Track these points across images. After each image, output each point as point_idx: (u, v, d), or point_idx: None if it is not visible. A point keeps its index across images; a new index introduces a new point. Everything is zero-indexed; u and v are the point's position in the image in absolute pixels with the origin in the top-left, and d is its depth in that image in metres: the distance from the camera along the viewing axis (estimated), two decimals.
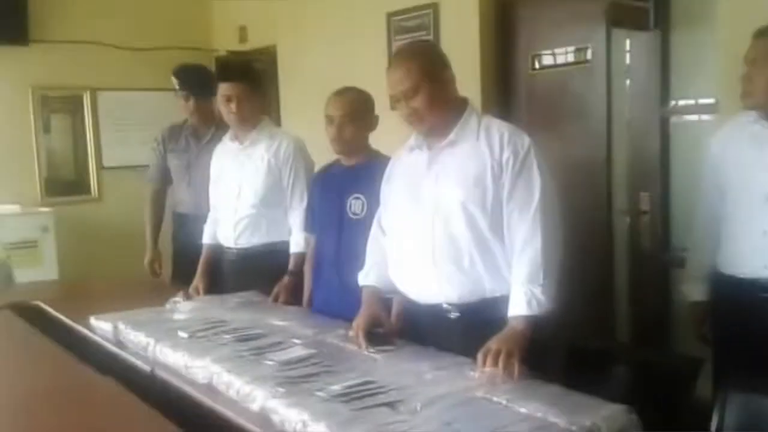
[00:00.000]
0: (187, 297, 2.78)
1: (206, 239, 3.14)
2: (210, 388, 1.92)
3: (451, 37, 3.89)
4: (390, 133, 2.37)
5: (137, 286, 3.53)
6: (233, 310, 2.58)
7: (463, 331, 2.02)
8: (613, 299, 3.45)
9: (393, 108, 2.13)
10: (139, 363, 2.20)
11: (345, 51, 4.55)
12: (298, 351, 2.01)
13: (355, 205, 2.48)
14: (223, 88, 2.88)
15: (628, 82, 3.36)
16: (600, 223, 3.41)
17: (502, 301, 1.99)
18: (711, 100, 2.98)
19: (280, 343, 2.10)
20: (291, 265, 2.86)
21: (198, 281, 3.02)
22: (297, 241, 2.88)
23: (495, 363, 1.77)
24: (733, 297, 2.25)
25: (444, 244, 2.01)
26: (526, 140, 2.00)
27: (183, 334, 2.24)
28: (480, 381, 1.74)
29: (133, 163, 5.19)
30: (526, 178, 1.97)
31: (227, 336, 2.19)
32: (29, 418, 1.86)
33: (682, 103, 3.22)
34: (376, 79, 4.16)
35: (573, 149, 3.33)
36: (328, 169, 2.67)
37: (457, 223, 1.99)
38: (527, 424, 1.49)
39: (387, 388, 1.70)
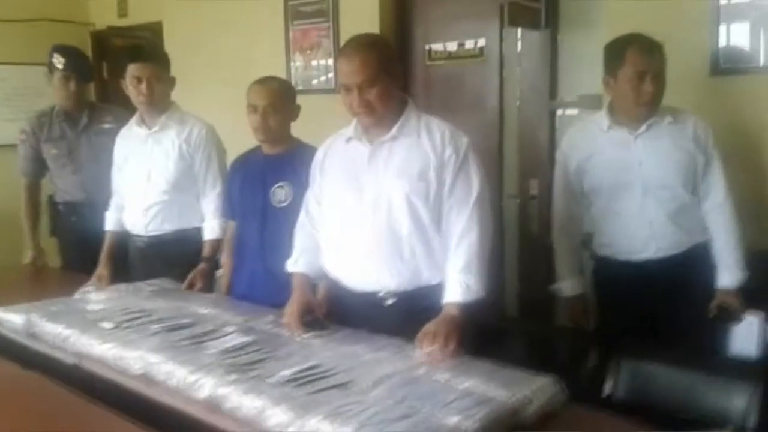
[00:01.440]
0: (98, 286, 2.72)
1: (109, 226, 3.06)
2: (146, 379, 1.92)
3: (349, 26, 3.97)
4: None
5: (26, 276, 3.38)
6: (150, 298, 2.54)
7: (396, 316, 2.12)
8: (504, 278, 3.70)
9: (339, 93, 2.13)
10: (61, 356, 2.15)
11: (239, 33, 4.50)
12: (236, 338, 2.04)
13: (279, 193, 2.51)
14: (134, 69, 2.81)
15: (519, 76, 3.59)
16: (492, 207, 3.62)
17: (436, 289, 2.11)
18: (595, 93, 3.24)
19: (213, 331, 2.12)
20: (206, 252, 2.86)
21: (102, 269, 2.95)
22: (212, 228, 2.88)
23: (433, 343, 1.89)
24: (625, 278, 2.49)
25: (385, 234, 2.10)
26: (465, 140, 2.12)
27: (106, 325, 2.20)
28: (420, 360, 1.86)
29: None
30: (465, 175, 2.09)
31: (155, 326, 2.18)
32: None
33: (567, 97, 3.48)
34: (273, 65, 4.23)
35: (468, 137, 3.51)
36: (249, 157, 2.68)
37: (400, 215, 2.09)
38: (472, 398, 1.62)
39: (333, 371, 1.78)
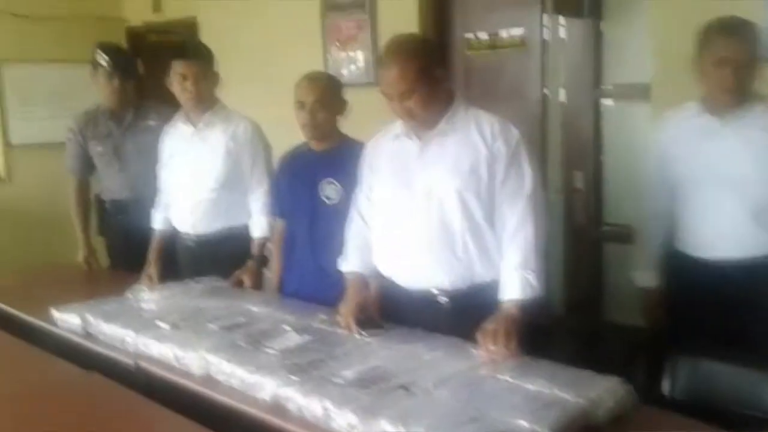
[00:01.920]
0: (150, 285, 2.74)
1: (157, 225, 3.07)
2: (207, 380, 1.93)
3: (387, 17, 3.95)
4: None
5: (77, 275, 3.42)
6: (202, 297, 2.56)
7: (450, 315, 2.11)
8: (549, 274, 3.65)
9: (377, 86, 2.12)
10: (119, 356, 2.17)
11: (274, 27, 4.49)
12: (293, 338, 2.04)
13: (329, 190, 2.50)
14: (179, 67, 2.80)
15: (561, 65, 3.53)
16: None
17: (490, 287, 2.08)
18: (643, 82, 3.18)
19: (269, 330, 2.13)
20: (254, 249, 2.86)
21: (150, 268, 2.95)
22: (260, 225, 2.88)
23: (495, 343, 1.87)
24: (699, 277, 2.37)
25: (438, 231, 2.08)
26: (515, 132, 2.09)
27: (163, 325, 2.22)
28: (481, 360, 1.85)
29: (43, 140, 4.93)
30: (517, 169, 2.06)
31: (212, 325, 2.19)
32: (17, 425, 1.79)
33: (612, 86, 3.42)
34: (309, 58, 4.22)
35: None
36: (297, 154, 2.67)
37: (452, 211, 2.06)
38: (540, 399, 1.60)
39: (395, 372, 1.77)
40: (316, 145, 2.58)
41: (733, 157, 2.28)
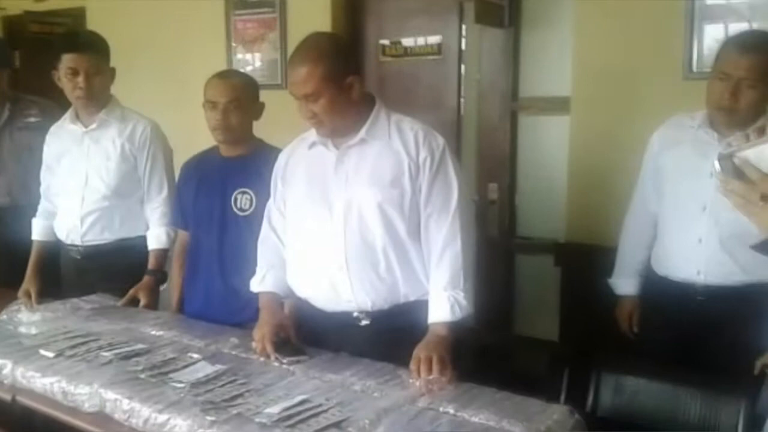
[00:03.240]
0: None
1: (37, 235, 2.74)
2: (101, 419, 1.66)
3: (297, 17, 3.74)
4: None
5: None
6: (93, 319, 2.26)
7: (371, 337, 1.94)
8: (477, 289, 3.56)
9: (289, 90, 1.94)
10: None
11: (174, 23, 4.17)
12: (204, 368, 1.80)
13: (242, 200, 2.27)
14: (69, 60, 2.49)
15: (479, 75, 3.45)
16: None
17: (414, 306, 1.94)
18: (561, 95, 3.14)
19: (175, 359, 1.87)
20: (151, 264, 2.57)
21: (28, 284, 2.62)
22: (158, 236, 2.60)
23: (429, 371, 1.72)
24: (668, 297, 2.29)
25: (358, 248, 1.90)
26: (441, 140, 1.94)
27: (47, 353, 1.92)
28: (417, 390, 1.68)
29: None
30: (443, 180, 1.91)
31: (106, 353, 1.90)
32: None
33: (530, 98, 3.37)
34: (212, 58, 3.94)
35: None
36: (204, 159, 2.42)
37: (374, 226, 1.90)
38: None
39: (326, 407, 1.58)
40: (227, 151, 2.34)
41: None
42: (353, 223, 1.91)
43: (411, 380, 1.73)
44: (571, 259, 3.12)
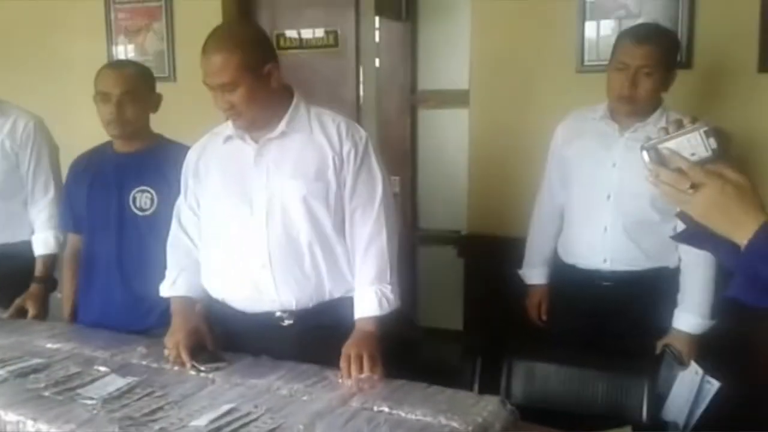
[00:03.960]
0: None
1: None
2: None
3: (185, 6, 3.56)
4: None
5: None
6: None
7: (295, 337, 1.87)
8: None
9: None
10: None
11: (50, 14, 3.85)
12: (115, 381, 1.66)
13: (141, 199, 2.12)
14: None
15: (377, 68, 3.43)
16: None
17: (339, 303, 1.89)
18: (459, 88, 3.17)
19: (80, 373, 1.72)
20: (39, 271, 2.37)
21: None
22: (45, 241, 2.40)
23: (360, 369, 1.67)
24: (575, 284, 2.35)
25: (282, 244, 1.83)
26: (363, 133, 1.90)
27: None
28: (348, 390, 1.63)
29: None
30: (367, 173, 1.87)
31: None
32: None
33: (428, 91, 3.38)
34: (92, 50, 3.68)
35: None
36: (95, 156, 2.24)
37: (298, 220, 1.83)
38: (431, 429, 1.44)
39: (255, 415, 1.50)
40: (122, 146, 2.19)
41: (620, 167, 2.25)
42: (276, 218, 1.83)
43: (341, 380, 1.68)
44: (473, 250, 3.17)
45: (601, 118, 2.32)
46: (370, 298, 1.84)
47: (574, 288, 2.38)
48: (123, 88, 2.10)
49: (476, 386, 2.17)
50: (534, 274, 2.55)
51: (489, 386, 2.11)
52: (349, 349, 1.73)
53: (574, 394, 2.19)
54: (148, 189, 2.13)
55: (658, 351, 2.30)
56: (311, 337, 1.84)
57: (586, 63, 2.84)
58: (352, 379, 1.66)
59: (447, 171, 3.39)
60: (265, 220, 1.83)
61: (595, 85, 2.69)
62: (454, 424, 1.46)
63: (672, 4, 2.69)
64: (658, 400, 2.37)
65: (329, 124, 1.88)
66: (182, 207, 2.00)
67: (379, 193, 1.88)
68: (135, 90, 2.12)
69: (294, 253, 1.84)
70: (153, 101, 2.20)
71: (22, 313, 2.28)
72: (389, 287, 1.86)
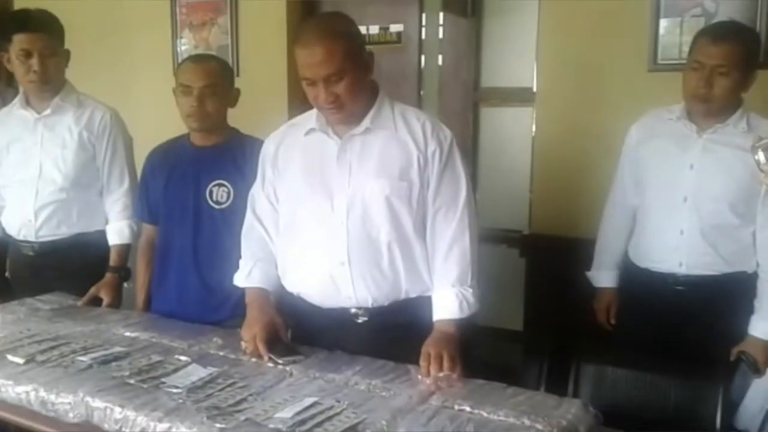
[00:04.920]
0: None
1: None
2: (86, 429, 1.53)
3: (251, 2, 3.59)
4: None
5: None
6: (56, 320, 2.09)
7: (368, 334, 1.86)
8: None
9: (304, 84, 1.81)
10: None
11: (116, 8, 3.92)
12: (197, 371, 1.68)
13: (218, 192, 2.15)
14: (22, 41, 2.29)
15: (440, 65, 3.42)
16: None
17: (415, 303, 1.88)
18: (523, 86, 3.14)
19: (161, 362, 1.74)
20: (113, 260, 2.41)
21: None
22: (120, 231, 2.44)
23: (439, 368, 1.67)
24: (647, 288, 2.30)
25: (362, 243, 1.82)
26: (448, 132, 1.87)
27: (15, 359, 1.75)
28: (426, 388, 1.62)
29: None
30: (452, 174, 1.85)
31: (83, 358, 1.75)
32: None
33: (492, 89, 3.36)
34: (155, 45, 3.75)
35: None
36: (173, 148, 2.27)
37: (379, 220, 1.81)
38: (515, 431, 1.42)
39: (338, 408, 1.50)
40: (200, 140, 2.21)
41: (698, 169, 2.20)
42: (357, 216, 1.82)
43: (420, 377, 1.67)
44: (535, 250, 3.14)
45: (678, 118, 2.27)
46: (451, 301, 1.82)
47: (646, 292, 2.33)
48: (205, 81, 2.11)
49: (542, 388, 2.15)
50: (603, 276, 2.51)
51: (553, 388, 2.10)
52: (429, 347, 1.72)
53: (645, 399, 2.16)
54: (225, 183, 2.15)
55: (732, 358, 2.24)
56: (384, 335, 1.84)
57: (659, 62, 2.79)
58: (431, 377, 1.65)
59: (509, 169, 3.36)
60: (346, 217, 1.82)
61: (669, 85, 2.63)
62: (539, 426, 1.44)
63: (751, 3, 2.62)
64: (732, 408, 2.31)
65: (414, 122, 1.85)
66: (258, 197, 2.00)
67: (463, 194, 1.86)
68: (216, 84, 2.14)
69: (373, 251, 1.83)
70: (232, 96, 2.22)
71: (95, 301, 2.32)
72: (470, 290, 1.84)
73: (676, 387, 2.22)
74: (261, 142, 2.06)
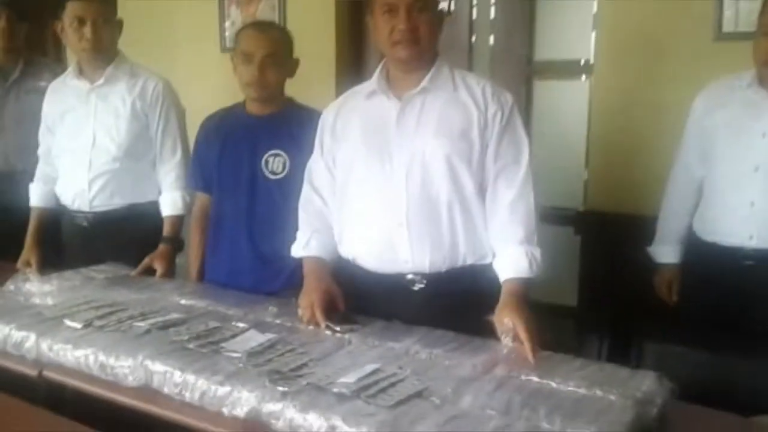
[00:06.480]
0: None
1: (36, 201, 2.54)
2: (145, 392, 1.51)
3: None
4: None
5: None
6: (111, 288, 2.09)
7: (424, 303, 1.83)
8: None
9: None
10: (15, 366, 1.68)
11: None
12: (255, 337, 1.65)
13: (274, 162, 2.11)
14: (76, 8, 2.28)
15: (492, 40, 3.33)
16: None
17: (472, 271, 1.83)
18: (580, 58, 3.04)
19: (219, 328, 1.72)
20: (167, 231, 2.40)
21: (28, 254, 2.44)
22: (173, 201, 2.42)
23: (526, 338, 1.59)
24: (714, 263, 2.22)
25: (421, 203, 1.78)
26: (509, 96, 1.84)
27: (73, 324, 1.75)
28: (490, 357, 1.57)
29: None
30: (513, 135, 1.81)
31: (140, 323, 1.74)
32: None
33: (546, 62, 3.26)
34: (202, 20, 3.73)
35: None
36: (228, 117, 2.23)
37: (439, 179, 1.78)
38: (587, 402, 1.36)
39: (401, 375, 1.45)
40: (257, 109, 2.17)
41: None
42: (416, 176, 1.78)
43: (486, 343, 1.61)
44: (590, 227, 3.05)
45: (748, 86, 2.17)
46: (521, 259, 1.76)
47: (713, 267, 2.24)
48: (267, 50, 2.07)
49: None
50: (666, 252, 2.42)
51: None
52: (503, 314, 1.66)
53: (711, 380, 2.08)
54: (281, 153, 2.11)
55: None
56: (440, 304, 1.79)
57: (724, 31, 2.67)
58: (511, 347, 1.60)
59: (563, 145, 3.27)
60: (405, 177, 1.79)
61: (735, 55, 2.53)
62: (612, 398, 1.38)
63: None
64: None
65: (474, 84, 1.83)
66: (315, 167, 1.97)
67: (525, 157, 1.81)
68: (277, 53, 2.10)
69: (432, 212, 1.79)
70: (291, 66, 2.18)
71: (149, 271, 2.31)
72: (539, 249, 1.78)
73: (743, 367, 2.13)
74: (318, 113, 2.03)
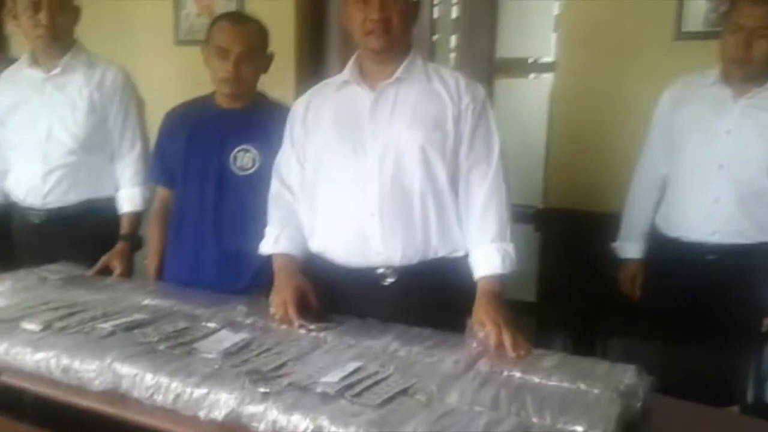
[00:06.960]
0: None
1: None
2: (113, 396, 1.44)
3: None
4: None
5: None
6: (68, 289, 1.99)
7: (395, 298, 1.80)
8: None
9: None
10: None
11: None
12: (229, 337, 1.59)
13: (243, 158, 2.04)
14: None
15: (454, 37, 3.32)
16: None
17: (443, 264, 1.82)
18: (540, 57, 3.06)
19: (189, 328, 1.65)
20: (125, 228, 2.31)
21: None
22: (131, 197, 2.33)
23: (496, 339, 1.58)
24: (677, 258, 2.25)
25: (394, 193, 1.76)
26: (482, 89, 1.84)
27: (31, 326, 1.65)
28: (470, 354, 1.55)
29: None
30: (485, 129, 1.80)
31: (104, 325, 1.65)
32: None
33: (506, 59, 3.27)
34: (156, 9, 3.61)
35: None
36: (195, 109, 2.15)
37: (412, 169, 1.75)
38: (573, 396, 1.35)
39: (385, 374, 1.42)
40: (227, 102, 2.10)
41: (735, 134, 2.15)
42: (389, 165, 1.76)
43: (474, 345, 1.58)
44: (550, 224, 3.07)
45: (713, 83, 2.21)
46: (494, 256, 1.75)
47: (676, 262, 2.27)
48: (243, 46, 2.00)
49: None
50: (630, 248, 2.45)
51: None
52: (480, 314, 1.64)
53: (674, 373, 2.11)
54: (251, 148, 2.05)
55: (764, 329, 2.20)
56: (412, 300, 1.77)
57: (684, 30, 2.72)
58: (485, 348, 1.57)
59: (523, 143, 3.27)
60: (378, 167, 1.76)
61: (695, 54, 2.58)
62: (596, 392, 1.37)
63: None
64: (763, 381, 2.27)
65: (447, 76, 1.82)
66: (285, 161, 1.92)
67: (496, 151, 1.81)
68: (254, 49, 2.03)
69: (405, 203, 1.77)
70: (267, 61, 2.11)
71: (105, 271, 2.21)
72: (511, 245, 1.78)
73: (705, 360, 2.18)
74: (288, 109, 1.97)
